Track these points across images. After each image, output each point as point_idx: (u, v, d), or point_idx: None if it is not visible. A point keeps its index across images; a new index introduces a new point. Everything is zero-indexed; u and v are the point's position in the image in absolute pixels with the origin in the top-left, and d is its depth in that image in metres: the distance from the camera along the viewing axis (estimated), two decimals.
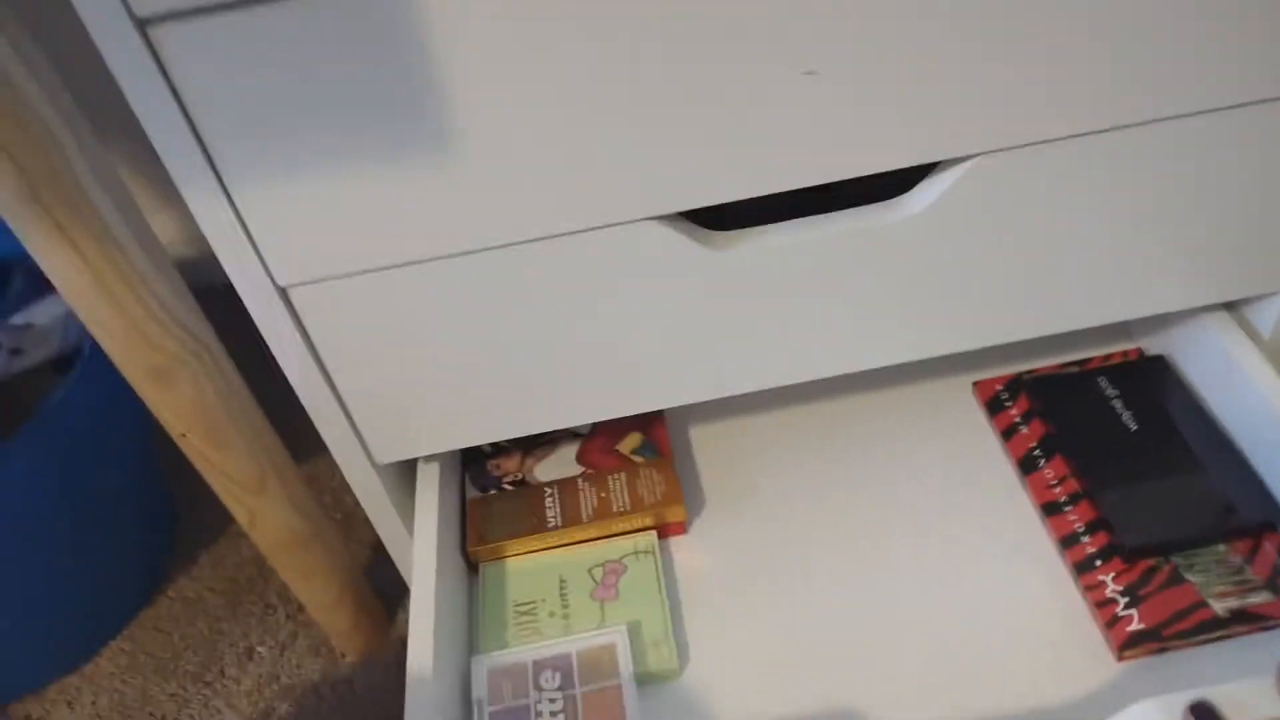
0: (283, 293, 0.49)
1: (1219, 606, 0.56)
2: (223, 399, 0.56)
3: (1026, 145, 0.50)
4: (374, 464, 0.58)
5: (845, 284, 0.55)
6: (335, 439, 0.56)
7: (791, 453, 0.69)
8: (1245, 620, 0.55)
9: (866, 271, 0.54)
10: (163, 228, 0.63)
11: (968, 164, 0.50)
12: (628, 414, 0.59)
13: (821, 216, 0.53)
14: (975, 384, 0.71)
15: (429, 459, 0.63)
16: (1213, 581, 0.57)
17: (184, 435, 0.56)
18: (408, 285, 0.50)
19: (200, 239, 0.49)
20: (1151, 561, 0.58)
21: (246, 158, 0.45)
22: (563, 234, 0.49)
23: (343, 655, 0.71)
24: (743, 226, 0.53)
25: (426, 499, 0.60)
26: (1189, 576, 0.57)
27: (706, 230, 0.52)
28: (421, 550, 0.57)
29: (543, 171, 0.47)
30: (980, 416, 0.69)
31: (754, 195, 0.49)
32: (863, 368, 0.59)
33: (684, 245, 0.51)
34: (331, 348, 0.52)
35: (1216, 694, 0.43)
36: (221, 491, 0.60)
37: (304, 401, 0.54)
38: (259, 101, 0.43)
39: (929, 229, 0.53)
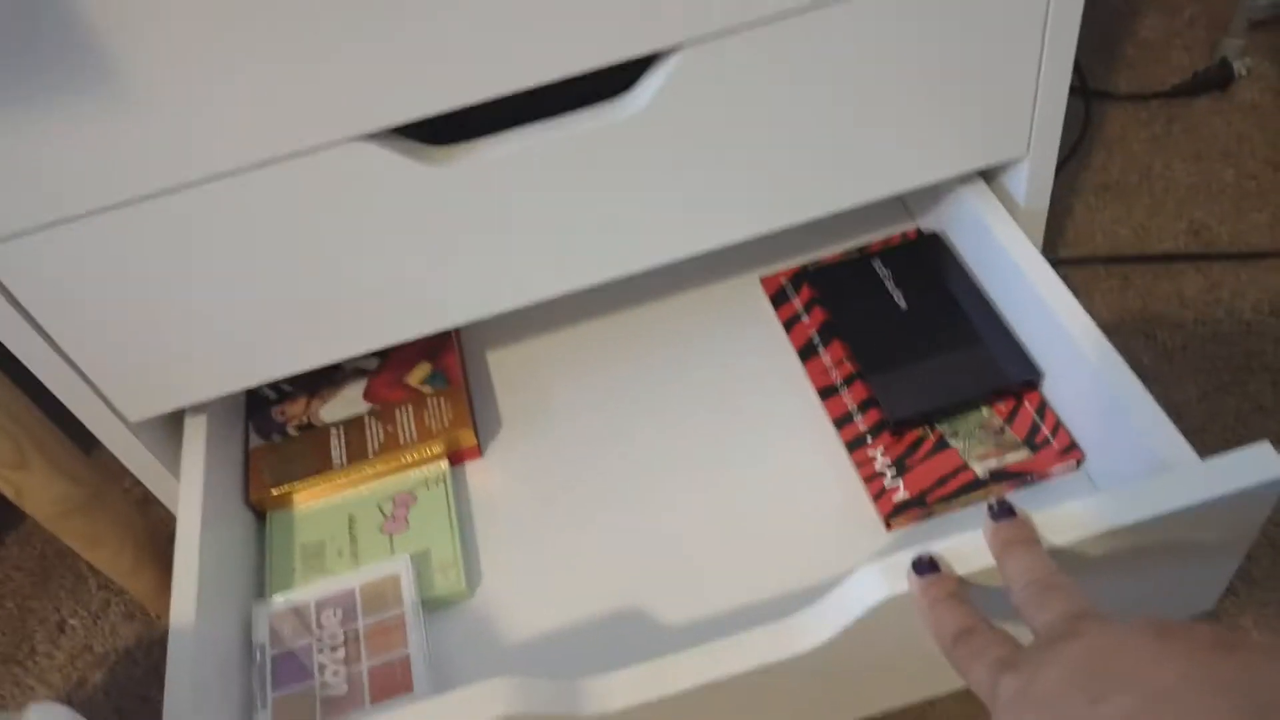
0: None
1: (979, 468, 0.58)
2: None
3: (736, 29, 0.49)
4: (126, 423, 0.56)
5: (589, 189, 0.54)
6: (75, 402, 0.54)
7: (587, 366, 0.69)
8: (1004, 478, 0.57)
9: (607, 174, 0.54)
10: None
11: (680, 54, 0.50)
12: (391, 343, 0.58)
13: (542, 122, 0.52)
14: (761, 279, 0.71)
15: (196, 411, 0.61)
16: (974, 445, 0.59)
17: None
18: (109, 231, 0.48)
19: None
20: (918, 432, 0.60)
21: None
22: (265, 162, 0.47)
23: (157, 617, 0.70)
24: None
25: (192, 450, 0.59)
26: (952, 443, 0.59)
27: (424, 145, 0.51)
28: (186, 502, 0.56)
29: (225, 98, 0.45)
30: (769, 310, 0.70)
31: (460, 105, 0.48)
32: (627, 271, 0.59)
33: (401, 164, 0.50)
34: (43, 306, 0.50)
35: (940, 549, 0.45)
36: None
37: (26, 364, 0.51)
38: None
39: (660, 123, 0.52)
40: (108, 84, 0.43)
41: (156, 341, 0.53)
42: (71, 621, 0.70)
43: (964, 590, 0.43)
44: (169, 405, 0.56)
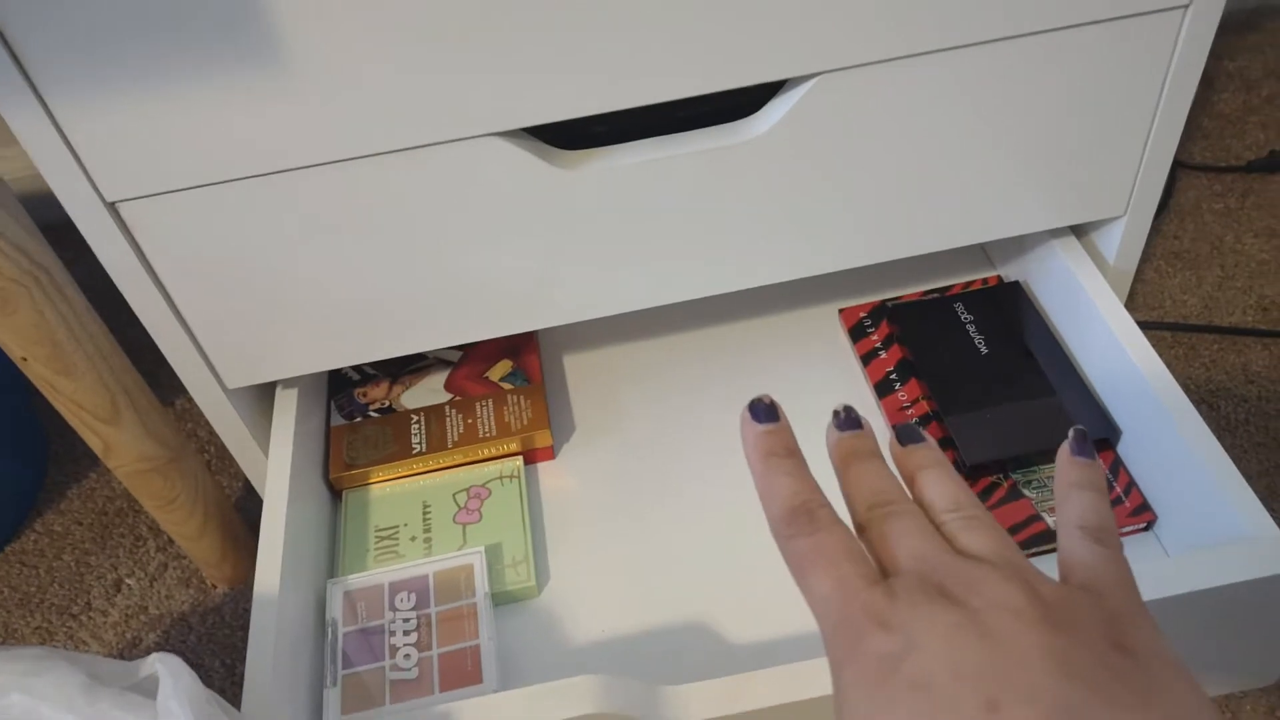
0: (112, 208, 0.48)
1: (1051, 520, 0.58)
2: (65, 323, 0.54)
3: (867, 64, 0.50)
4: (225, 388, 0.57)
5: (699, 205, 0.55)
6: (181, 362, 0.55)
7: (663, 380, 0.70)
8: None
9: (719, 192, 0.55)
10: (12, 163, 0.61)
11: (810, 83, 0.51)
12: (486, 338, 0.59)
13: (670, 136, 0.53)
14: (840, 311, 0.72)
15: (287, 385, 0.62)
16: (1048, 496, 0.59)
17: (24, 360, 0.54)
18: (243, 201, 0.49)
19: None
20: (992, 478, 0.60)
21: (65, 72, 0.43)
22: (402, 149, 0.48)
23: (213, 586, 0.70)
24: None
25: (283, 424, 0.60)
26: (1026, 492, 0.60)
27: (554, 149, 0.52)
28: (274, 475, 0.57)
29: (375, 84, 0.46)
30: (845, 343, 0.71)
31: (594, 112, 0.49)
32: (721, 290, 0.60)
33: (531, 164, 0.51)
34: (169, 266, 0.51)
35: None
36: (73, 420, 0.59)
37: (144, 323, 0.52)
38: (75, 14, 0.41)
39: (778, 148, 0.53)
40: (265, 61, 0.44)
41: (266, 311, 0.54)
42: (128, 581, 0.71)
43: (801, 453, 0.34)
44: (267, 376, 0.57)
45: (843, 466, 0.35)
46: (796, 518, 0.32)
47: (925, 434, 0.36)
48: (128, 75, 0.43)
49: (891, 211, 0.58)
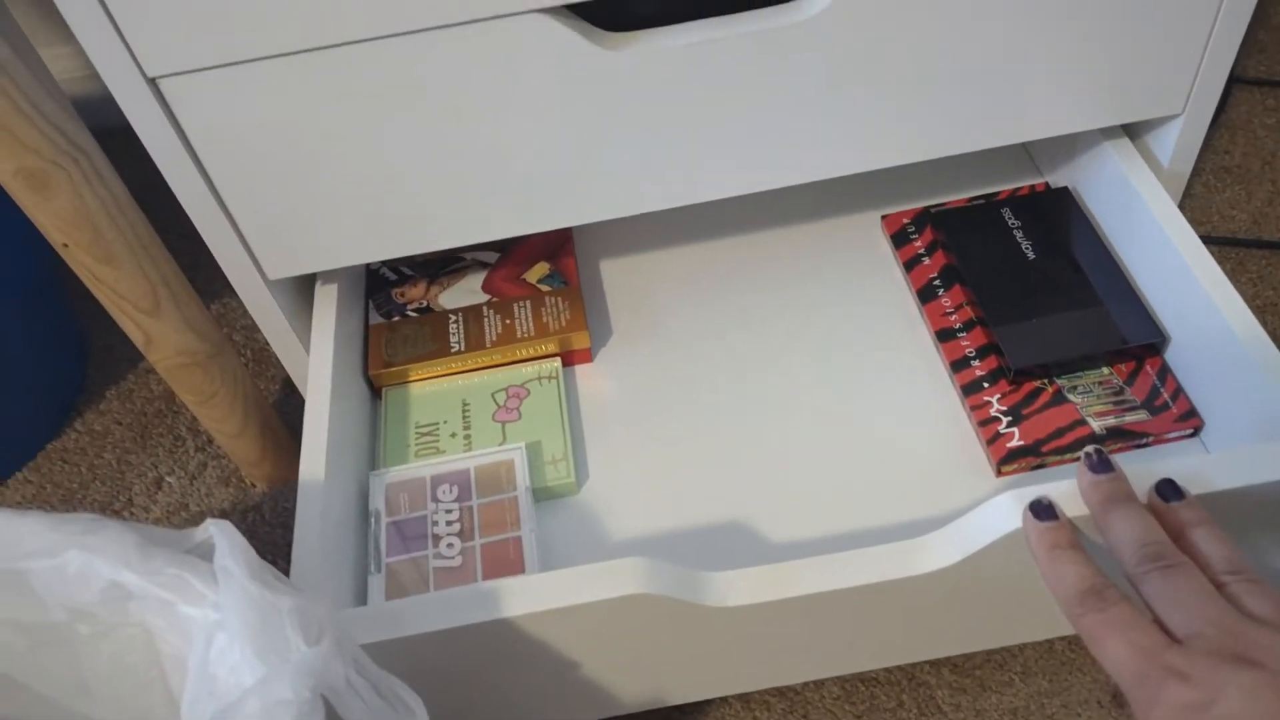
0: (153, 84, 0.47)
1: (1097, 425, 0.58)
2: (104, 208, 0.54)
3: None
4: (266, 280, 0.57)
5: (746, 92, 0.53)
6: (222, 250, 0.55)
7: (701, 285, 0.69)
8: (1121, 437, 0.57)
9: (764, 78, 0.53)
10: (64, 62, 0.60)
11: None
12: (522, 233, 0.58)
13: (719, 18, 0.51)
14: (883, 217, 0.71)
15: (327, 281, 0.62)
16: (1093, 402, 0.59)
17: (65, 246, 0.54)
18: (281, 78, 0.48)
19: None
20: (1037, 383, 0.60)
21: None
22: (444, 25, 0.47)
23: (252, 485, 0.71)
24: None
25: (323, 318, 0.59)
26: (1071, 397, 0.59)
27: (599, 29, 0.50)
28: (317, 367, 0.57)
29: None
30: (887, 250, 0.70)
31: None
32: (761, 187, 0.59)
33: (575, 43, 0.49)
34: (210, 147, 0.50)
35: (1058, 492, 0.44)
36: (114, 310, 0.59)
37: (185, 207, 0.52)
38: None
39: (828, 31, 0.51)
40: None
41: (305, 198, 0.53)
42: (169, 479, 0.72)
43: (1083, 542, 0.40)
44: (307, 267, 0.57)
45: (1103, 512, 0.39)
46: (1086, 598, 0.36)
47: (1186, 490, 0.40)
48: None
49: (940, 104, 0.56)
